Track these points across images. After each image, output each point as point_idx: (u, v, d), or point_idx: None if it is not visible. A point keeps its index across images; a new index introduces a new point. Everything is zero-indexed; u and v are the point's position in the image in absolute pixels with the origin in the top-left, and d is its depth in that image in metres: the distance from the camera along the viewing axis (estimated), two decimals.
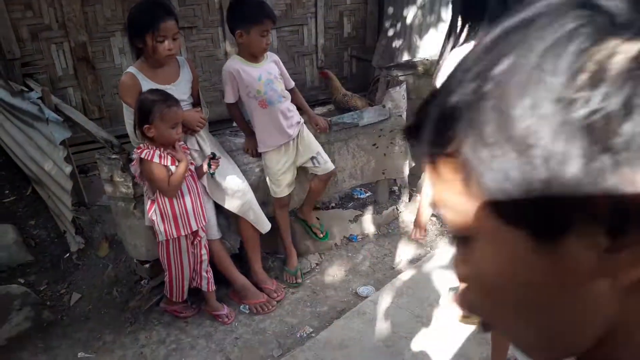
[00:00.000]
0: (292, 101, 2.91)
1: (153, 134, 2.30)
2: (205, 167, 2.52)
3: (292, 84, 2.93)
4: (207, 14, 4.46)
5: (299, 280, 3.02)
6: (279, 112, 2.73)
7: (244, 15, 2.55)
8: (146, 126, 2.29)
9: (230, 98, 2.72)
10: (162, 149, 2.36)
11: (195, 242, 2.58)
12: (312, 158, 2.89)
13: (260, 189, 2.98)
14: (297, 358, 2.32)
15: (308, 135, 2.92)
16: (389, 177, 3.57)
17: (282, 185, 2.85)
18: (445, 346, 2.33)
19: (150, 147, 2.33)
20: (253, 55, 2.67)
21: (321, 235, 3.17)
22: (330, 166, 2.94)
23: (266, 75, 2.69)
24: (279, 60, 2.85)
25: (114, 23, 4.03)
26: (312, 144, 2.91)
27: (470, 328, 2.41)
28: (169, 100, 2.30)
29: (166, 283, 2.63)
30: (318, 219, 3.21)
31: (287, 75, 2.90)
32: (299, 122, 2.86)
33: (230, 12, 2.64)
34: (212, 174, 2.53)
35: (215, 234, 2.73)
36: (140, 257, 2.79)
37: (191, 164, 2.53)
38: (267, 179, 2.88)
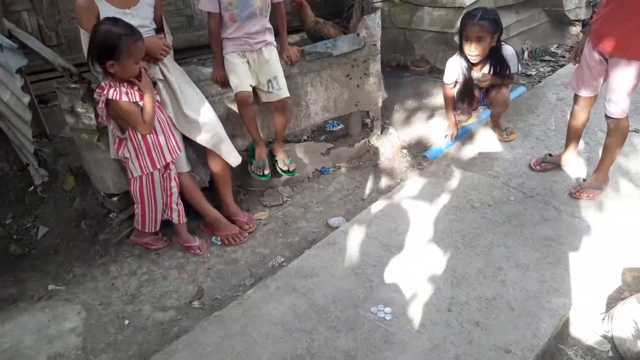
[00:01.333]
0: (272, 18, 2.82)
1: (115, 70, 2.18)
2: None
3: None
4: None
5: (267, 172, 3.01)
6: (245, 29, 2.69)
7: None
8: (110, 62, 2.16)
9: (206, 5, 2.63)
10: (126, 85, 2.25)
11: (165, 175, 2.53)
12: (269, 81, 2.81)
13: (229, 121, 2.91)
14: (268, 286, 2.36)
15: (274, 57, 2.83)
16: (362, 109, 3.52)
17: (241, 78, 2.73)
18: (413, 273, 2.40)
19: (114, 85, 2.22)
20: None
21: (286, 169, 3.10)
22: (284, 93, 2.84)
23: None
24: None
25: None
26: (273, 66, 2.82)
27: (436, 264, 2.49)
28: (134, 32, 2.18)
29: (137, 215, 2.61)
30: (289, 157, 3.16)
31: None
32: (266, 41, 2.79)
33: None
34: (155, 83, 2.42)
35: (184, 166, 2.68)
36: (107, 190, 2.74)
37: (156, 94, 2.43)
38: (230, 77, 2.76)
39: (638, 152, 3.28)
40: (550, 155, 3.20)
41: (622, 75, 2.53)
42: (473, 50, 3.16)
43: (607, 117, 2.70)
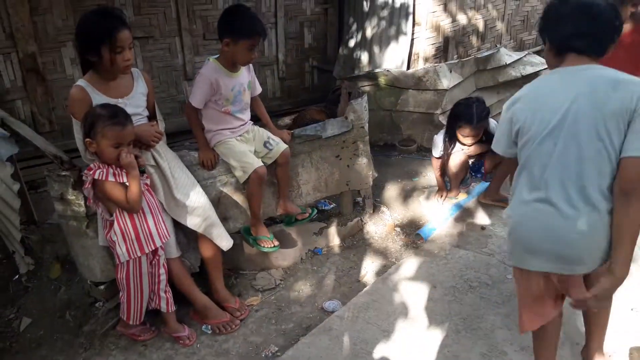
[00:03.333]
0: (252, 109, 2.98)
1: (94, 150, 2.19)
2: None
3: (259, 91, 2.99)
4: (164, 23, 4.35)
5: (276, 244, 2.96)
6: (237, 119, 2.82)
7: (235, 26, 2.57)
8: (87, 140, 2.18)
9: (198, 102, 2.70)
10: (114, 167, 2.25)
11: (153, 262, 2.46)
12: (265, 143, 2.88)
13: (221, 204, 2.89)
14: None
15: (258, 127, 2.97)
16: (353, 189, 3.54)
17: (251, 158, 2.77)
18: None
19: (102, 167, 2.21)
20: (233, 64, 2.69)
21: (306, 216, 3.16)
22: (283, 146, 2.90)
23: (239, 86, 2.77)
24: (250, 65, 2.87)
25: (65, 33, 3.88)
26: (262, 131, 2.94)
27: (437, 350, 2.40)
28: (116, 117, 2.18)
29: (123, 305, 2.50)
30: (303, 212, 3.18)
31: (256, 81, 2.96)
32: (250, 122, 2.94)
33: (223, 19, 2.63)
34: (143, 171, 2.38)
35: (174, 252, 2.62)
36: (94, 278, 2.65)
37: (147, 177, 2.42)
38: (235, 167, 2.78)
39: None
40: None
41: None
42: (470, 141, 3.44)
43: None
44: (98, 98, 2.32)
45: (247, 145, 2.85)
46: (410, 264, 3.05)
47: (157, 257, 2.46)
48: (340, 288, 3.01)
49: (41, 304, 2.86)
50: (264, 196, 3.02)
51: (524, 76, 5.22)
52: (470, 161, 3.69)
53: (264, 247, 2.97)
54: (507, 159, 3.37)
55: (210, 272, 2.78)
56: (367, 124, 3.43)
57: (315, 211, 3.22)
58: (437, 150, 3.63)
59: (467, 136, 3.40)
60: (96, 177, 2.19)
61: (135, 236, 2.33)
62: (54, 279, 2.98)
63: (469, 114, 3.34)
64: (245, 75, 2.81)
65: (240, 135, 2.84)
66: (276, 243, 2.98)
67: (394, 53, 5.15)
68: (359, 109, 3.34)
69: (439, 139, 3.60)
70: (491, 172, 3.62)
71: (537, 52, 6.33)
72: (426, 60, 5.42)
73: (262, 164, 2.78)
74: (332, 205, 3.71)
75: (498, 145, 1.90)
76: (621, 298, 2.62)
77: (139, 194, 2.27)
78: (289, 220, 3.21)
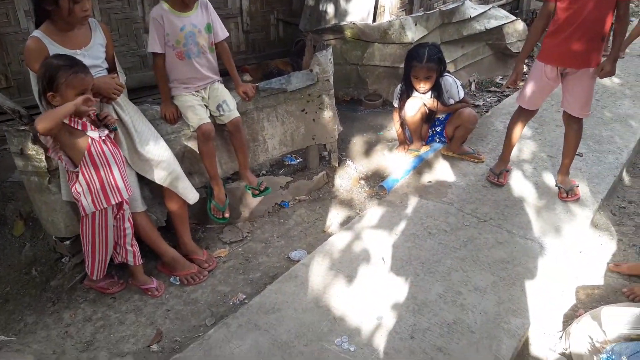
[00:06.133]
0: (219, 58, 2.90)
1: (58, 103, 2.15)
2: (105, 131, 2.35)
3: (224, 34, 2.89)
4: None
5: (227, 215, 3.00)
6: (194, 67, 2.77)
7: None
8: (50, 94, 2.14)
9: (155, 47, 2.67)
10: (72, 115, 2.20)
11: (118, 216, 2.47)
12: (218, 106, 2.85)
13: (186, 158, 2.90)
14: (229, 325, 2.32)
15: (221, 87, 2.93)
16: (319, 143, 3.58)
17: (201, 113, 2.77)
18: (375, 302, 2.41)
19: None
20: (183, 3, 2.64)
21: (257, 192, 3.12)
22: (235, 114, 2.88)
23: (190, 26, 2.69)
24: (209, 5, 2.79)
25: None
26: (221, 92, 2.90)
27: (397, 292, 2.51)
28: (75, 66, 2.15)
29: (87, 259, 2.51)
30: (261, 183, 3.15)
31: (220, 24, 2.86)
32: (214, 80, 2.89)
33: None
34: (115, 129, 2.40)
35: (140, 206, 2.63)
36: (58, 234, 2.65)
37: (110, 132, 2.39)
38: (185, 115, 2.80)
39: (583, 174, 3.45)
40: (497, 170, 3.45)
41: (588, 82, 2.92)
42: (423, 87, 3.48)
43: (572, 120, 3.08)
44: (55, 49, 2.26)
45: (199, 101, 2.81)
46: (373, 214, 3.15)
47: (122, 212, 2.47)
48: (307, 238, 3.09)
49: (6, 261, 2.85)
50: (224, 154, 3.03)
51: (488, 30, 5.26)
52: (426, 110, 3.73)
53: (213, 215, 3.00)
54: (461, 120, 3.53)
55: (177, 226, 2.82)
56: (332, 77, 3.43)
57: (270, 190, 3.16)
58: (397, 100, 3.71)
59: (418, 77, 3.48)
60: None
61: (101, 187, 2.32)
62: (17, 236, 2.96)
63: (419, 53, 3.45)
64: (200, 17, 2.73)
65: (196, 91, 2.82)
66: (226, 215, 3.00)
67: (359, 4, 5.08)
68: (323, 62, 3.34)
69: (398, 89, 3.70)
70: (452, 137, 3.73)
71: (502, 6, 6.35)
72: (392, 12, 5.38)
73: (208, 121, 2.76)
74: (298, 160, 3.75)
75: None
76: (570, 243, 2.79)
77: (55, 115, 2.11)
78: (252, 191, 3.15)
